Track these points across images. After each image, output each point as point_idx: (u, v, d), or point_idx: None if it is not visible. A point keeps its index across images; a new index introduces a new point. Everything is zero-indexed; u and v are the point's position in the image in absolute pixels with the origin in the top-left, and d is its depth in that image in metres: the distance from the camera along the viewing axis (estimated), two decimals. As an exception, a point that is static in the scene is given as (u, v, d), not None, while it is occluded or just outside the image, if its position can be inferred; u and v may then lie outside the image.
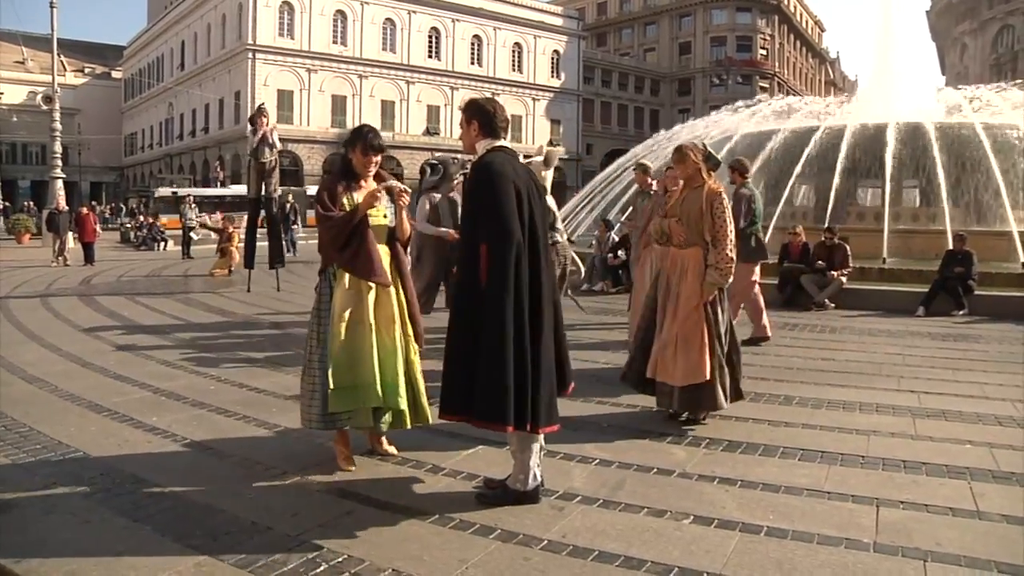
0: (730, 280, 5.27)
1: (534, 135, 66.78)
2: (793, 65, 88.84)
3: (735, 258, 5.23)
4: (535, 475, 3.87)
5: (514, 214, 3.63)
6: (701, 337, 5.19)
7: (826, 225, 13.61)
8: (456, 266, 4.11)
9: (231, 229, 18.72)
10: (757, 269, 8.91)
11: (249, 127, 14.92)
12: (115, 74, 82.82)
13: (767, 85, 76.54)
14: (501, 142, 3.89)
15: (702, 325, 5.20)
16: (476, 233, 3.69)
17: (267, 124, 13.80)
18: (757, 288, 8.88)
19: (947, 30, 74.78)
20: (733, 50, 79.53)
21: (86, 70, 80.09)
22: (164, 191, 46.14)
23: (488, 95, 63.88)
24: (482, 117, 3.90)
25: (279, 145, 14.30)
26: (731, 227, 5.22)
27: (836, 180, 16.19)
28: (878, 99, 22.19)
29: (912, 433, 5.20)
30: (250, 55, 54.65)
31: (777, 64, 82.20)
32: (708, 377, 5.16)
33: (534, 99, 68.38)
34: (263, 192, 13.87)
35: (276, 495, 4.00)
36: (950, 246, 12.40)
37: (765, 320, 8.88)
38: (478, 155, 3.87)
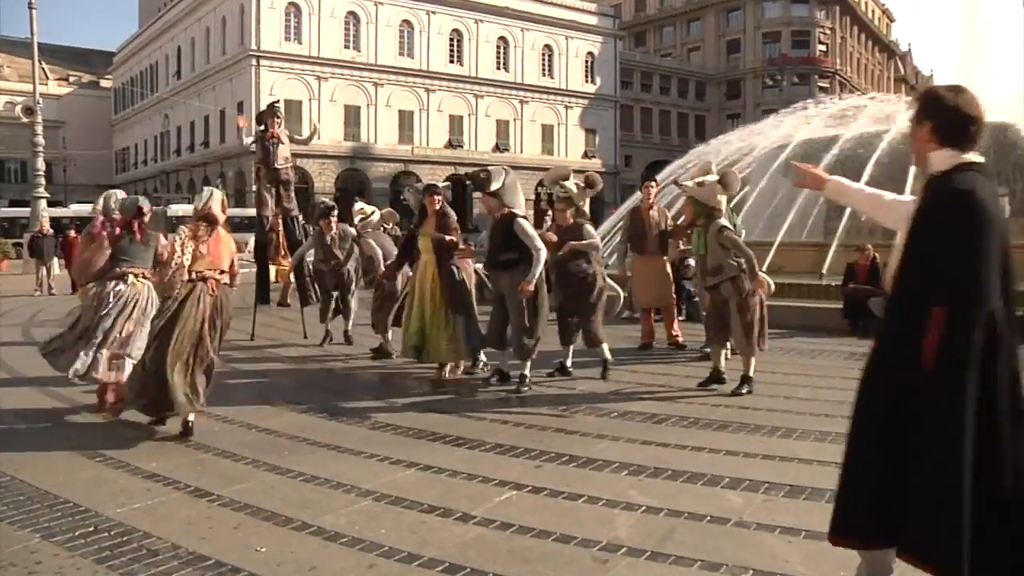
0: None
1: (567, 146, 66.95)
2: (857, 61, 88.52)
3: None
4: None
5: (993, 273, 2.88)
6: None
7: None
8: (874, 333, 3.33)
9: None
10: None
11: (255, 127, 13.49)
12: (104, 83, 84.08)
13: (827, 85, 76.32)
14: (973, 156, 3.04)
15: None
16: (927, 287, 2.94)
17: (280, 126, 12.81)
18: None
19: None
20: (788, 47, 79.43)
21: (71, 78, 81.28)
22: None
23: (516, 103, 64.49)
24: (940, 115, 3.06)
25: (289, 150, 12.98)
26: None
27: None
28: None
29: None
30: (254, 62, 55.27)
31: (839, 61, 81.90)
32: None
33: (567, 107, 68.55)
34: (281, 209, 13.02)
35: (290, 547, 4.02)
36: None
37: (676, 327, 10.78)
38: (938, 172, 3.07)
